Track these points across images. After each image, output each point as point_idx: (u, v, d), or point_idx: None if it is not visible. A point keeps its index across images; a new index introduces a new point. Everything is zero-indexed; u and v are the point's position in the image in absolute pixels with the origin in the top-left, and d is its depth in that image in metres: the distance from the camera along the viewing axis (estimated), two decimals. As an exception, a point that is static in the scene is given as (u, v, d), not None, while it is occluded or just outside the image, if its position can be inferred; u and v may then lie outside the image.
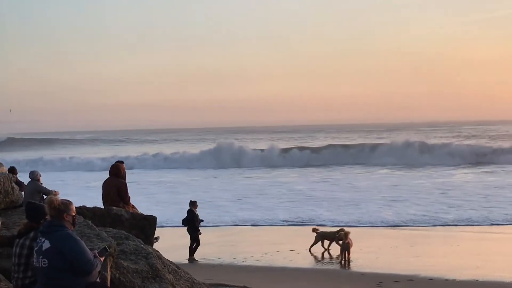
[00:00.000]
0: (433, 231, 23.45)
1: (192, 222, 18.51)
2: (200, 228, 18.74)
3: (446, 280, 15.60)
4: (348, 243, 17.48)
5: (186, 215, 18.78)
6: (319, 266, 18.05)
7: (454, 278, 15.69)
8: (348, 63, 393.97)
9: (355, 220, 25.34)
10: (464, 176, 44.36)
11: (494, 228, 23.56)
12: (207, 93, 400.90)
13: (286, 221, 25.92)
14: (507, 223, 24.16)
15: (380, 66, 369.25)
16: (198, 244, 18.59)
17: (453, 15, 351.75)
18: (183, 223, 19.03)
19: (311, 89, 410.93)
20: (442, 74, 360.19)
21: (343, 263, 17.53)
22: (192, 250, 18.54)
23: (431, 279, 15.73)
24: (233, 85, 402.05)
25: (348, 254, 17.54)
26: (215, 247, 20.90)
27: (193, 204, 18.90)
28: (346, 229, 18.36)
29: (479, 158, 55.34)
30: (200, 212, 19.17)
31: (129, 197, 14.29)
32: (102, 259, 7.84)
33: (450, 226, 24.07)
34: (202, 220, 19.03)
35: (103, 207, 12.92)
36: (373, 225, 24.67)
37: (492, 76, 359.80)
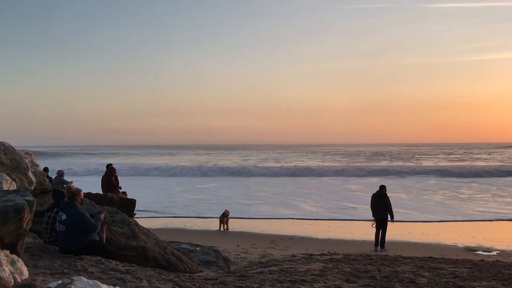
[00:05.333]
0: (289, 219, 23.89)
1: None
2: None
3: (311, 238, 16.34)
4: (227, 219, 17.90)
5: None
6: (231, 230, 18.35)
7: (316, 237, 16.48)
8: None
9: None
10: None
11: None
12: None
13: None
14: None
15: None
16: None
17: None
18: None
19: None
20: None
21: (224, 229, 17.77)
22: None
23: (303, 237, 16.36)
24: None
25: (227, 225, 17.86)
26: (174, 220, 21.06)
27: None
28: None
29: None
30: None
31: (118, 187, 14.68)
32: (102, 216, 8.26)
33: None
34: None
35: (102, 193, 13.20)
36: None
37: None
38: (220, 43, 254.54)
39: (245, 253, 13.14)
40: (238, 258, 12.11)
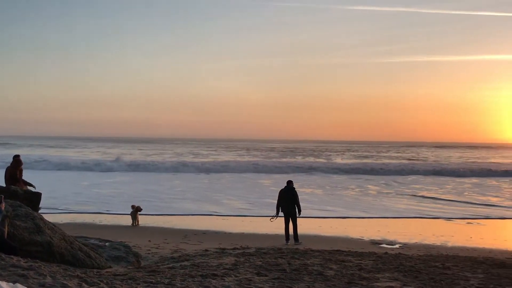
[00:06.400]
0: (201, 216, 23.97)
1: None
2: None
3: (225, 232, 16.42)
4: (137, 213, 17.72)
5: None
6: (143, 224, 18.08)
7: (230, 231, 16.60)
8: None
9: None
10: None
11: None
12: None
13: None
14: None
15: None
16: None
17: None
18: None
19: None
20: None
21: (135, 224, 17.61)
22: None
23: (216, 232, 16.41)
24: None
25: (137, 220, 17.68)
26: (82, 215, 20.40)
27: None
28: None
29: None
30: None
31: (22, 180, 13.93)
32: (2, 206, 7.77)
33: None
34: None
35: (4, 185, 12.47)
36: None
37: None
38: (137, 34, 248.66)
39: (157, 248, 12.97)
40: (149, 254, 11.94)
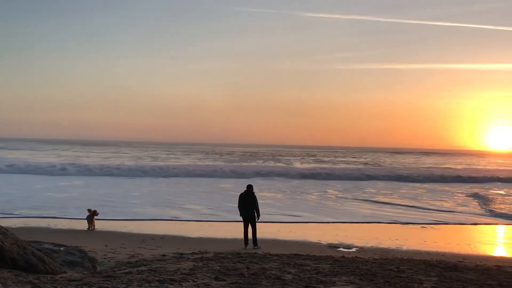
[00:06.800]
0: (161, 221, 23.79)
1: None
2: None
3: (183, 237, 16.29)
4: (94, 217, 17.51)
5: None
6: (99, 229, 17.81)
7: (188, 236, 16.48)
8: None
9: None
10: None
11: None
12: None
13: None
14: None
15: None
16: None
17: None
18: None
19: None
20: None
21: (92, 228, 17.33)
22: None
23: (174, 237, 16.27)
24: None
25: (93, 224, 17.44)
26: (36, 219, 19.88)
27: None
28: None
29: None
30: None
31: None
32: None
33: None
34: None
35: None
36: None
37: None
38: (97, 36, 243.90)
39: (113, 253, 12.75)
40: (105, 259, 11.72)
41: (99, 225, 17.78)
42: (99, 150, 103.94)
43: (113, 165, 50.57)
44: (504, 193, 36.83)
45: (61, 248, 10.76)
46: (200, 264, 9.97)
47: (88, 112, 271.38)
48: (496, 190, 38.83)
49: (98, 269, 10.19)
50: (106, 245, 13.85)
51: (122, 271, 9.19)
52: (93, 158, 70.27)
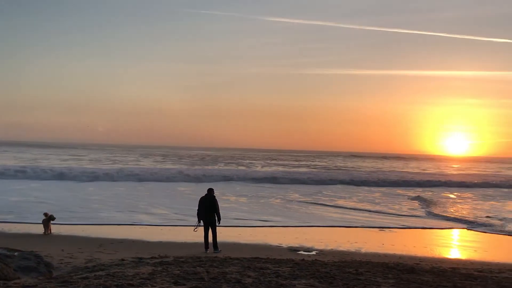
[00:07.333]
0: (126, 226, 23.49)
1: None
2: None
3: (143, 241, 16.08)
4: (50, 221, 17.13)
5: None
6: (64, 233, 17.39)
7: (148, 240, 16.29)
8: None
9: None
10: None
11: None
12: None
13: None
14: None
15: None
16: None
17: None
18: None
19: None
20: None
21: (48, 232, 16.94)
22: None
23: (133, 241, 16.03)
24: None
25: (50, 228, 17.08)
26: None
27: None
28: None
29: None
30: None
31: None
32: None
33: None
34: None
35: None
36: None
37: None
38: (53, 36, 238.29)
39: (70, 257, 12.48)
40: (62, 263, 11.46)
41: (55, 229, 17.38)
42: (56, 152, 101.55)
43: (71, 168, 49.48)
44: (454, 196, 38.00)
45: (15, 253, 10.47)
46: (160, 268, 9.86)
47: (45, 113, 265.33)
48: (447, 193, 39.97)
49: (54, 274, 9.95)
50: (62, 250, 13.54)
51: (79, 276, 9.00)
52: (50, 160, 68.60)
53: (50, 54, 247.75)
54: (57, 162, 63.39)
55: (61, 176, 42.37)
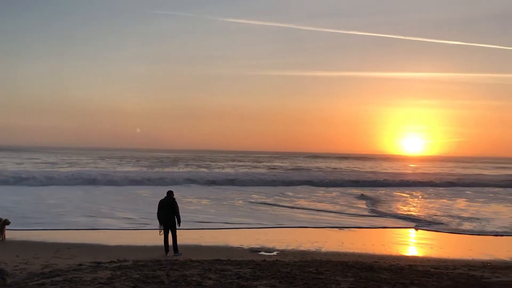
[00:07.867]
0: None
1: None
2: None
3: (101, 245, 15.78)
4: (4, 226, 16.67)
5: None
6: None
7: (106, 244, 16.00)
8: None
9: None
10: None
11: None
12: None
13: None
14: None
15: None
16: None
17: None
18: None
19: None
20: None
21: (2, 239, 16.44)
22: None
23: (92, 245, 15.69)
24: None
25: (4, 234, 16.58)
26: None
27: None
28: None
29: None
30: None
31: None
32: None
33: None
34: None
35: None
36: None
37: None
38: (11, 34, 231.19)
39: (26, 264, 12.14)
40: (16, 270, 11.14)
41: (10, 235, 16.87)
42: (9, 155, 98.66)
43: (26, 171, 48.14)
44: (407, 195, 38.96)
45: (-33, 261, 10.11)
46: (119, 272, 9.72)
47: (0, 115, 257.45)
48: (399, 192, 40.91)
49: (9, 281, 9.67)
50: (17, 256, 13.16)
51: (35, 283, 8.78)
52: (4, 164, 66.60)
53: (6, 52, 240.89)
54: (11, 166, 61.60)
55: (15, 179, 41.16)
